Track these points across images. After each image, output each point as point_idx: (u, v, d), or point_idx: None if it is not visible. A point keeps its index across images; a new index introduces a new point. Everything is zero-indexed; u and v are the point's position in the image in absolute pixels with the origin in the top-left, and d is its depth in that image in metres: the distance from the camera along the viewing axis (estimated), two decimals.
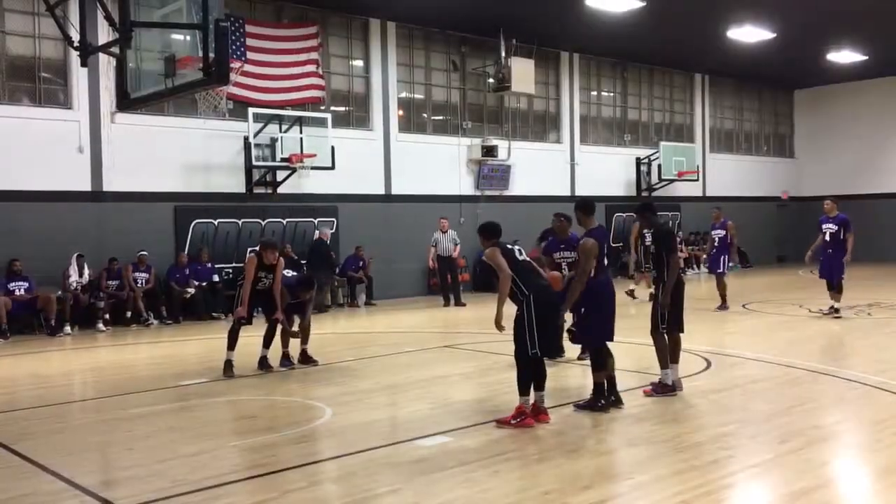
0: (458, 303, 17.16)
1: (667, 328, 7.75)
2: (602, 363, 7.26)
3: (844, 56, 23.45)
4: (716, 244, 15.56)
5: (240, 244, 16.66)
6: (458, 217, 19.94)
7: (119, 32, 8.26)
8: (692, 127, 26.48)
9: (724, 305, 14.73)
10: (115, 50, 8.69)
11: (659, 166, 23.90)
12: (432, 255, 17.55)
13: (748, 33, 20.32)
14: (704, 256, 16.39)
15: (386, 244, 18.55)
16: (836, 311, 13.47)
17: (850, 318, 13.38)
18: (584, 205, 7.51)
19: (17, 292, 13.54)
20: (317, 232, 17.30)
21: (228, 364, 9.53)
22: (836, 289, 13.55)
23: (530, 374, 6.78)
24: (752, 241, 26.75)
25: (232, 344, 9.56)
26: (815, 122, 29.21)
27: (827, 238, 13.61)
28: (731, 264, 16.01)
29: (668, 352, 7.81)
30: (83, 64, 9.31)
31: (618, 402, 7.29)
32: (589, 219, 7.43)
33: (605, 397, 7.22)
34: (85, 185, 14.85)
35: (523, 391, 6.74)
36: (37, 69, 14.66)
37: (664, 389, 7.77)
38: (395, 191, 19.06)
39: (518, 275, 6.71)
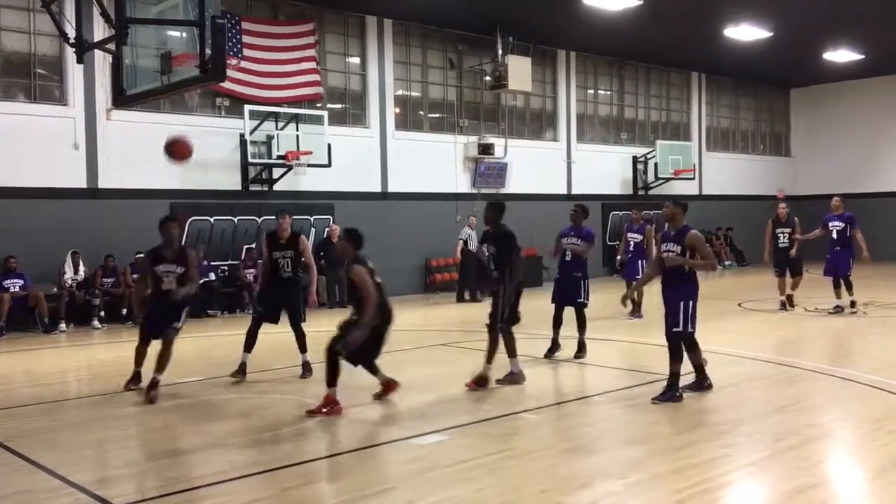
0: (474, 298, 17.11)
1: (505, 325, 8.29)
2: (690, 350, 7.64)
3: (841, 55, 23.47)
4: (631, 249, 14.07)
5: (235, 242, 16.63)
6: (455, 215, 19.93)
7: (115, 29, 8.24)
8: (689, 125, 26.50)
9: (637, 313, 13.41)
10: (111, 46, 8.65)
11: (655, 165, 23.90)
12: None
13: (745, 32, 20.34)
14: (619, 257, 14.55)
15: (382, 242, 18.46)
16: (853, 304, 13.59)
17: (845, 316, 13.41)
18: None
19: (12, 289, 13.51)
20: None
21: (242, 367, 8.99)
22: (847, 286, 13.61)
23: (338, 369, 7.32)
24: (748, 239, 26.72)
25: (248, 345, 9.06)
26: (811, 121, 29.25)
27: (834, 236, 13.68)
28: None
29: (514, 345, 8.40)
30: (79, 60, 9.28)
31: (709, 385, 7.77)
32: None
33: (679, 387, 7.49)
34: (81, 182, 14.81)
35: (333, 383, 7.22)
36: (32, 65, 14.61)
37: (513, 378, 8.32)
38: (391, 188, 19.04)
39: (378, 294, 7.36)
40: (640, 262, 13.88)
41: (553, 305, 10.16)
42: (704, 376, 7.80)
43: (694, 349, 7.69)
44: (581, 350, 9.99)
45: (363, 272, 7.42)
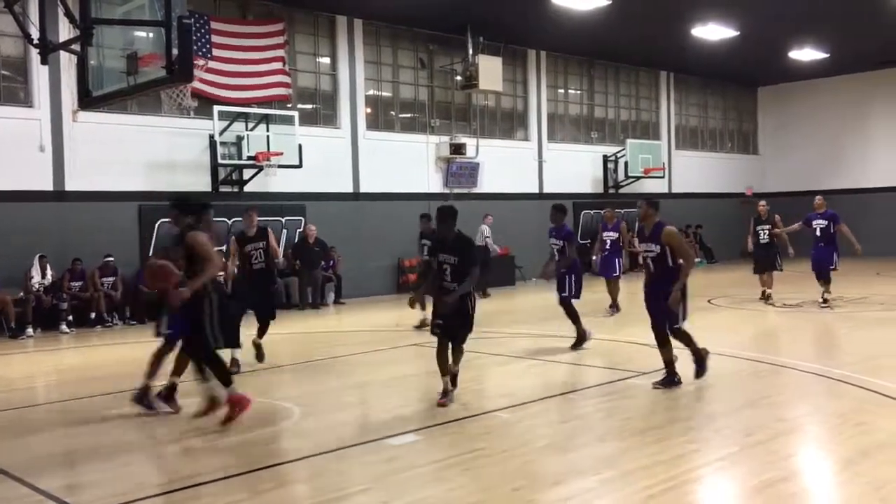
0: (484, 293, 17.12)
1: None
2: (663, 345, 7.99)
3: (806, 54, 23.81)
4: (607, 247, 14.31)
5: None
6: None
7: (80, 29, 8.12)
8: (658, 124, 26.73)
9: (615, 306, 13.84)
10: (76, 47, 8.53)
11: (626, 163, 24.08)
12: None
13: (712, 31, 20.55)
14: (594, 258, 14.67)
15: (355, 242, 18.48)
16: (826, 301, 13.92)
17: (813, 312, 13.61)
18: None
19: None
20: (298, 232, 17.26)
21: (234, 362, 9.01)
22: (826, 280, 14.01)
23: (224, 364, 6.95)
24: (718, 236, 27.07)
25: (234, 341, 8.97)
26: (778, 119, 29.64)
27: (818, 233, 14.14)
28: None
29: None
30: (43, 62, 9.13)
31: (679, 381, 7.95)
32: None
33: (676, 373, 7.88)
34: (47, 185, 14.59)
35: (228, 382, 6.80)
36: None
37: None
38: (363, 189, 19.00)
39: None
40: (616, 259, 14.26)
41: None
42: (675, 372, 7.89)
43: (668, 344, 7.94)
44: (578, 341, 10.37)
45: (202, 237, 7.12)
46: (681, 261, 7.84)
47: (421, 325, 12.12)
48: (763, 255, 14.81)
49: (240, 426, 7.00)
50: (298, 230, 17.68)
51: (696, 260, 25.92)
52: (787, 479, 5.31)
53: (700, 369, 7.97)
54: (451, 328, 7.44)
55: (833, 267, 14.00)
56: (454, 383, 7.66)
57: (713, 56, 23.34)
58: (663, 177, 25.44)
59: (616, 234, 14.40)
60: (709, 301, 15.52)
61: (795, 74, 27.05)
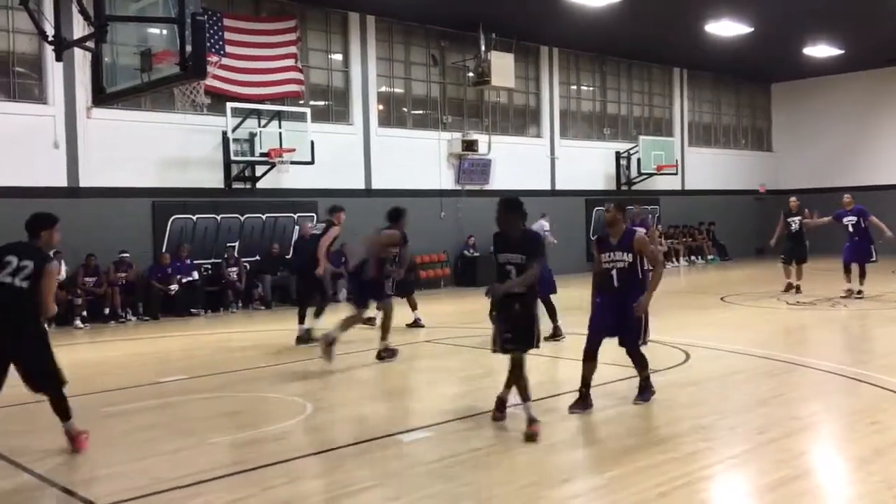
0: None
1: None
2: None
3: (821, 50, 23.63)
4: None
5: (219, 240, 16.55)
6: (440, 212, 19.94)
7: (94, 27, 8.18)
8: (671, 121, 26.61)
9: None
10: (91, 44, 8.61)
11: (638, 160, 24.00)
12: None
13: (726, 27, 20.44)
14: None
15: None
16: (860, 293, 14.50)
17: (826, 309, 13.53)
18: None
19: None
20: (296, 228, 17.24)
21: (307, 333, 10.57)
22: (861, 274, 14.68)
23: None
24: (731, 234, 26.96)
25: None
26: (792, 115, 29.45)
27: (850, 229, 14.86)
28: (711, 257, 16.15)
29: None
30: (58, 58, 9.21)
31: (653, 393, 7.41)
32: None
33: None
34: (61, 181, 14.69)
35: (67, 416, 6.14)
36: (11, 63, 14.47)
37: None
38: (375, 185, 19.01)
39: None
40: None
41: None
42: (650, 383, 7.41)
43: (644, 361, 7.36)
44: (553, 334, 10.61)
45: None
46: (649, 268, 7.17)
47: (414, 325, 12.52)
48: (791, 246, 15.58)
49: (250, 422, 7.03)
50: (297, 227, 17.68)
51: (710, 257, 25.90)
52: (799, 477, 5.28)
53: (644, 396, 7.23)
54: (512, 340, 6.40)
55: (873, 259, 14.72)
56: (502, 408, 6.74)
57: (727, 52, 23.21)
58: (676, 174, 25.34)
59: (644, 230, 14.60)
60: (722, 298, 15.46)
61: (810, 71, 26.86)
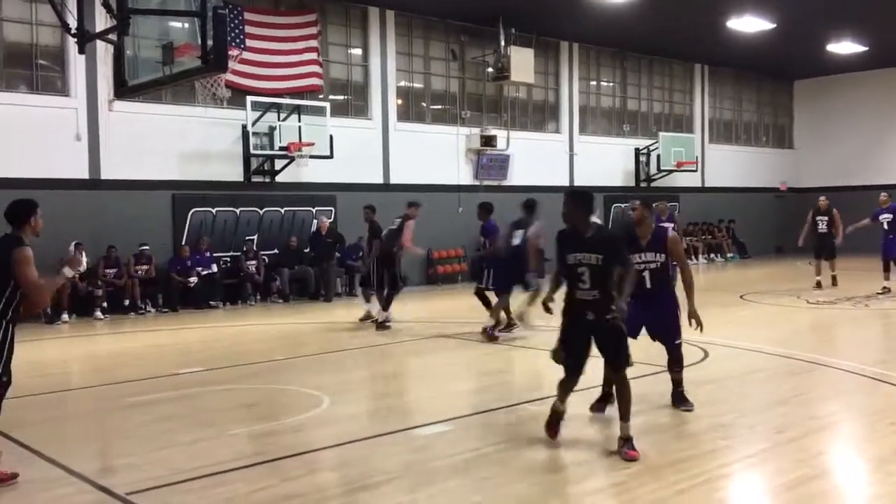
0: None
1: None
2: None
3: (844, 47, 23.37)
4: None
5: (238, 233, 16.63)
6: (457, 207, 19.92)
7: (117, 19, 8.23)
8: (691, 117, 26.44)
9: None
10: (113, 37, 8.66)
11: (658, 157, 23.87)
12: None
13: (748, 23, 20.26)
14: None
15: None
16: (889, 290, 14.84)
17: (847, 309, 13.41)
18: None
19: None
20: (315, 223, 17.31)
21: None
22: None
23: None
24: (751, 231, 26.75)
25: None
26: (814, 112, 29.16)
27: (885, 227, 15.34)
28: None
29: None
30: (81, 51, 9.29)
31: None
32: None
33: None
34: (83, 173, 14.81)
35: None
36: (34, 56, 14.59)
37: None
38: (393, 180, 19.03)
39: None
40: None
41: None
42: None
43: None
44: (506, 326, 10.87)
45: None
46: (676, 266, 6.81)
47: (365, 319, 12.61)
48: (819, 244, 16.16)
49: (269, 413, 7.07)
50: (315, 221, 17.77)
51: (730, 255, 25.73)
52: (818, 476, 5.24)
53: (689, 405, 6.83)
54: (583, 357, 5.87)
55: None
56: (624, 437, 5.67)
57: (749, 49, 23.01)
58: (696, 170, 25.18)
59: (672, 225, 14.79)
60: (741, 296, 15.36)
61: (833, 68, 26.57)
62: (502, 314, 10.89)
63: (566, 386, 5.96)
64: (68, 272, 5.80)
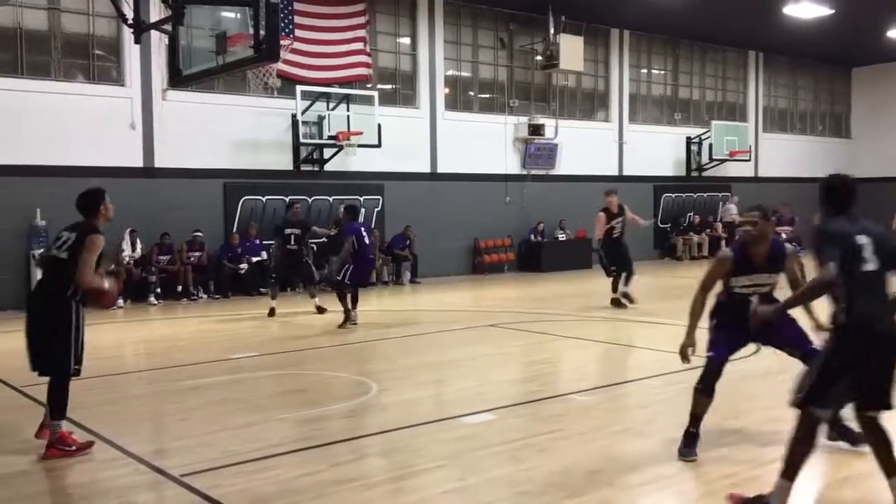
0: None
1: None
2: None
3: None
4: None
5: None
6: (504, 196, 19.86)
7: (172, 10, 8.36)
8: (745, 106, 25.91)
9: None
10: (168, 27, 8.79)
11: (710, 146, 23.45)
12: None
13: (805, 9, 19.74)
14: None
15: (431, 222, 18.56)
16: None
17: None
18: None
19: None
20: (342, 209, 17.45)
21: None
22: None
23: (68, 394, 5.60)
24: (805, 222, 26.14)
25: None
26: (873, 101, 28.33)
27: None
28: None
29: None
30: (137, 41, 9.44)
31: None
32: None
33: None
34: (137, 162, 15.11)
35: (63, 415, 5.60)
36: (91, 46, 14.90)
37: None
38: (440, 169, 19.03)
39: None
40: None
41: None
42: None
43: None
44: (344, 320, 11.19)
45: None
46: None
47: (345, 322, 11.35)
48: None
49: (319, 399, 7.15)
50: (376, 209, 17.89)
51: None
52: (872, 474, 5.10)
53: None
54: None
55: None
56: None
57: (806, 35, 22.44)
58: (749, 160, 24.69)
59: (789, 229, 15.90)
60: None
61: (893, 55, 25.78)
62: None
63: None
64: (109, 286, 5.92)
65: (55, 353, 5.52)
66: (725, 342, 5.38)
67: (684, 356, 5.39)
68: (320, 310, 12.59)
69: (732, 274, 5.32)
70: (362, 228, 11.79)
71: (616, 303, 12.67)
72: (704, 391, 5.41)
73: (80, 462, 5.44)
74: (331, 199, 17.38)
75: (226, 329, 11.85)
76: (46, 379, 5.63)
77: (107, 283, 5.82)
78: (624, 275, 12.66)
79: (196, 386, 7.78)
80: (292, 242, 12.93)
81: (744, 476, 4.95)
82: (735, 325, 5.29)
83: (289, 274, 13.81)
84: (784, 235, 15.12)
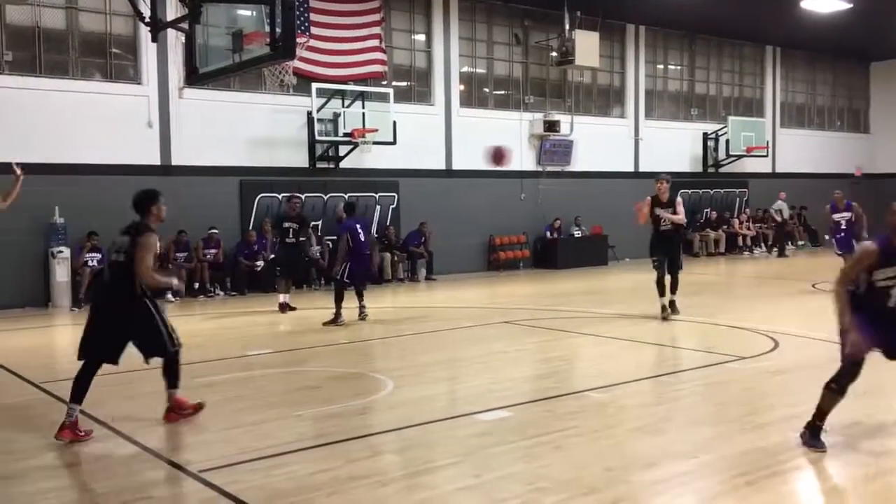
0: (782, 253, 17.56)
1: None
2: None
3: None
4: (843, 227, 15.15)
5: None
6: (520, 193, 19.83)
7: (188, 8, 8.39)
8: (762, 101, 25.73)
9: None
10: (185, 25, 8.83)
11: (727, 141, 23.32)
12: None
13: (823, 4, 19.58)
14: (829, 238, 15.34)
15: (447, 219, 18.57)
16: None
17: None
18: None
19: (89, 263, 13.99)
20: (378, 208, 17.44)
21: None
22: None
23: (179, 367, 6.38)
24: (824, 218, 25.90)
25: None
26: (891, 96, 28.05)
27: None
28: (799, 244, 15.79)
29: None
30: (153, 39, 9.49)
31: None
32: None
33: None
34: (154, 159, 15.21)
35: (177, 385, 6.40)
36: (108, 45, 15.01)
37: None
38: (455, 166, 19.03)
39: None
40: (852, 238, 14.66)
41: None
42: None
43: None
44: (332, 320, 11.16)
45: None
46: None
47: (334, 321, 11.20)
48: None
49: (335, 396, 7.17)
50: (391, 206, 17.92)
51: (800, 243, 25.01)
52: (893, 471, 5.07)
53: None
54: None
55: None
56: None
57: (823, 30, 22.26)
58: (766, 156, 24.53)
59: (849, 215, 15.11)
60: (813, 285, 14.93)
61: None
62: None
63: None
64: (175, 284, 6.92)
65: (154, 342, 6.21)
66: (865, 340, 5.20)
67: (857, 350, 5.22)
68: (283, 307, 12.68)
69: (877, 266, 5.19)
70: (358, 225, 11.56)
71: (663, 310, 11.16)
72: (838, 391, 5.38)
73: (100, 457, 5.49)
74: (346, 196, 17.40)
75: (242, 325, 11.91)
76: (73, 369, 6.17)
77: (170, 279, 6.65)
78: (669, 278, 11.21)
79: (213, 382, 7.82)
80: (290, 236, 12.90)
81: (761, 474, 4.92)
82: (876, 322, 5.19)
83: (289, 267, 13.58)
84: (843, 224, 15.00)
